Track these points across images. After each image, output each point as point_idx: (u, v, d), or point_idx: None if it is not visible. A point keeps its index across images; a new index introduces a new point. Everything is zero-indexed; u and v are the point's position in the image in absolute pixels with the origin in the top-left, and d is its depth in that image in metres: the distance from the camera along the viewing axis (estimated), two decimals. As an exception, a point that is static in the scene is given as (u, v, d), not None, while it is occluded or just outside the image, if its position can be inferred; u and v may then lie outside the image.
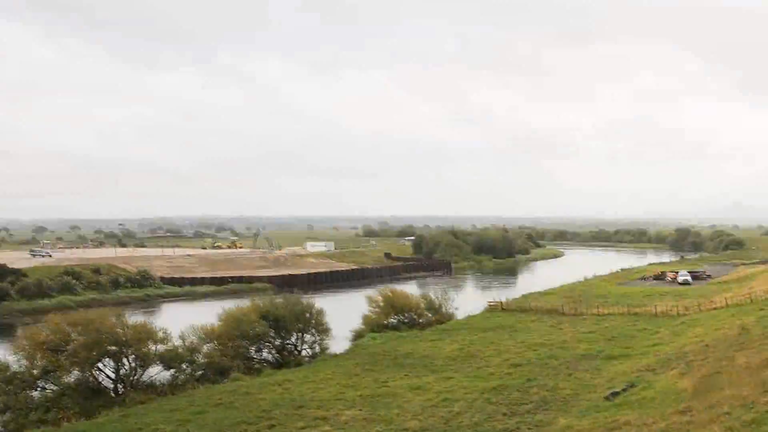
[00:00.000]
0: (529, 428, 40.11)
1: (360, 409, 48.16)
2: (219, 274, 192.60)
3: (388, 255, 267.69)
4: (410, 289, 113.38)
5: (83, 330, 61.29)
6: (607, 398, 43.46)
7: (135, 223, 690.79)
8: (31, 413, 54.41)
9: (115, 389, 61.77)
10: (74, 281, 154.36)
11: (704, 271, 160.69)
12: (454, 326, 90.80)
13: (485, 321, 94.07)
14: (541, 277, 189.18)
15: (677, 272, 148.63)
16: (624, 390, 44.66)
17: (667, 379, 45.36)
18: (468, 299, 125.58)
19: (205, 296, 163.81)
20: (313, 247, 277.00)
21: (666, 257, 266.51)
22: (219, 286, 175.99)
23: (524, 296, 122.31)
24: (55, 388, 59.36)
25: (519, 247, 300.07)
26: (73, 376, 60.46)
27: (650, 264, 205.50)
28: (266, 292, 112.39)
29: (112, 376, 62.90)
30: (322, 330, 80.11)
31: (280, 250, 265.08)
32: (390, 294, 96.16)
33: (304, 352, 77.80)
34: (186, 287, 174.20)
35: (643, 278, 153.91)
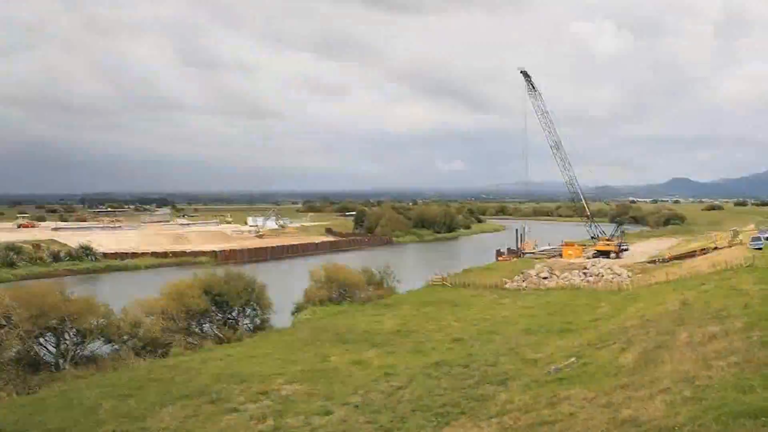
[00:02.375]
0: (470, 403, 39.86)
1: (301, 384, 47.89)
2: (161, 248, 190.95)
3: (329, 230, 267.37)
4: (352, 263, 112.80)
5: (24, 304, 60.04)
6: (548, 373, 43.37)
7: (76, 199, 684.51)
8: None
9: (56, 364, 60.69)
10: (14, 255, 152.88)
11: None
12: (396, 301, 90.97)
13: (426, 295, 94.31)
14: (481, 251, 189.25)
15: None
16: (565, 365, 44.61)
17: (608, 353, 45.46)
18: (409, 274, 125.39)
19: (147, 270, 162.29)
20: (254, 222, 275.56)
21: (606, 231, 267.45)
22: (162, 259, 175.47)
23: (465, 271, 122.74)
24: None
25: (460, 222, 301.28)
26: (13, 351, 59.18)
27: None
28: (208, 267, 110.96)
29: (53, 350, 61.91)
30: (264, 305, 79.81)
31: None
32: (331, 269, 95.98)
33: (245, 327, 77.25)
34: (127, 260, 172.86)
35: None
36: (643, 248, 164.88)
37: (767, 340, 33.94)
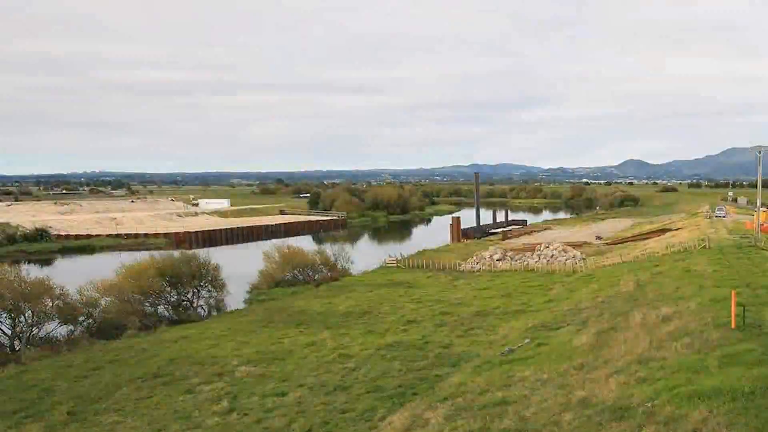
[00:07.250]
0: (423, 384, 39.93)
1: (255, 366, 47.87)
2: (117, 230, 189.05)
3: (283, 212, 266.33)
4: (306, 245, 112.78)
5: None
6: (502, 354, 43.46)
7: (31, 180, 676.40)
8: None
9: (11, 345, 60.28)
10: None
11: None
12: (350, 282, 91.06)
13: (381, 277, 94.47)
14: (434, 233, 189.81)
15: None
16: (519, 346, 44.74)
17: (562, 335, 45.65)
18: (363, 255, 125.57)
19: (102, 252, 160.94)
20: (208, 204, 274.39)
21: (561, 215, 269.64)
22: (116, 241, 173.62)
23: (419, 252, 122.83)
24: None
25: (414, 204, 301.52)
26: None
27: (545, 220, 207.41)
28: (163, 249, 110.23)
29: (8, 332, 61.43)
30: (219, 286, 79.90)
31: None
32: (286, 250, 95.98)
33: (200, 309, 77.13)
34: (83, 241, 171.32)
35: None
36: (595, 229, 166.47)
37: (720, 322, 34.26)
